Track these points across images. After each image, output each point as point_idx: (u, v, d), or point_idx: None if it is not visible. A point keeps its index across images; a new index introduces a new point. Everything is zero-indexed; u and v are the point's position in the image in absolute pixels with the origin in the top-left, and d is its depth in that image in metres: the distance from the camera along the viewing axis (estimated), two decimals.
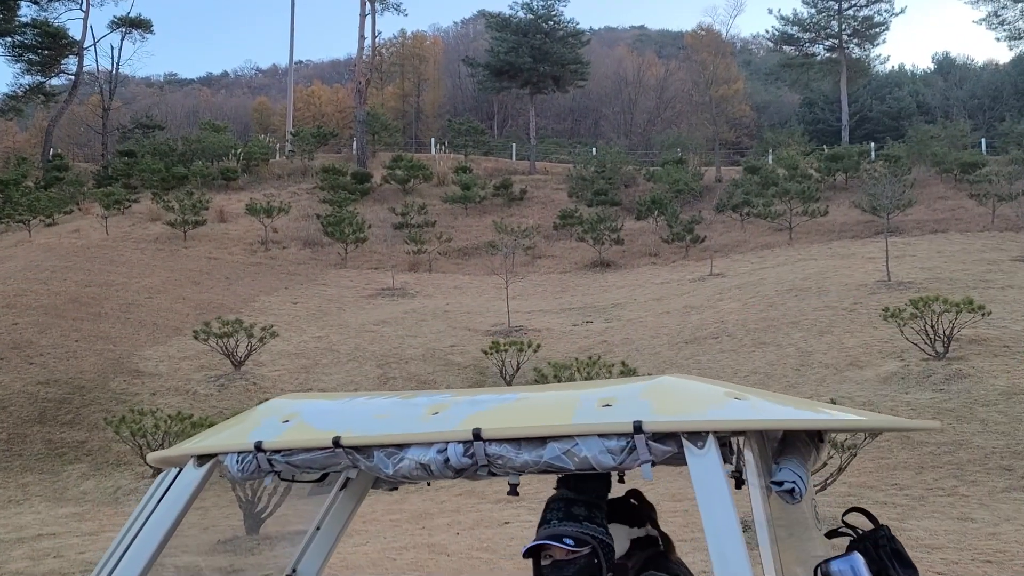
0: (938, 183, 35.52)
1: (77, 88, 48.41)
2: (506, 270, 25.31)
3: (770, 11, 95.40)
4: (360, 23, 44.51)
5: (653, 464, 2.28)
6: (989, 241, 27.99)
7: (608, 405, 2.38)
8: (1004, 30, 51.16)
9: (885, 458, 13.14)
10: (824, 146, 44.31)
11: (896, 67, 68.25)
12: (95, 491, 14.62)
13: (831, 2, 50.12)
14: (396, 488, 3.34)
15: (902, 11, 56.06)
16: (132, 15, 49.98)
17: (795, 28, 51.42)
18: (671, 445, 2.28)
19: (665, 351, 20.69)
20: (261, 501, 10.63)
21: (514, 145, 50.86)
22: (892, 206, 28.28)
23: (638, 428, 2.27)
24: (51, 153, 45.78)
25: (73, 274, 26.62)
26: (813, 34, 51.07)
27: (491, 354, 18.89)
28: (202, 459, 2.72)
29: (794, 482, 2.26)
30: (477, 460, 2.40)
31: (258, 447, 2.60)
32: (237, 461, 2.63)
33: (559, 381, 15.13)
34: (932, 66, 76.01)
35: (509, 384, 18.68)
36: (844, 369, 18.51)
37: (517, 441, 2.37)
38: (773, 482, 2.29)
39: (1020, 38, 51.23)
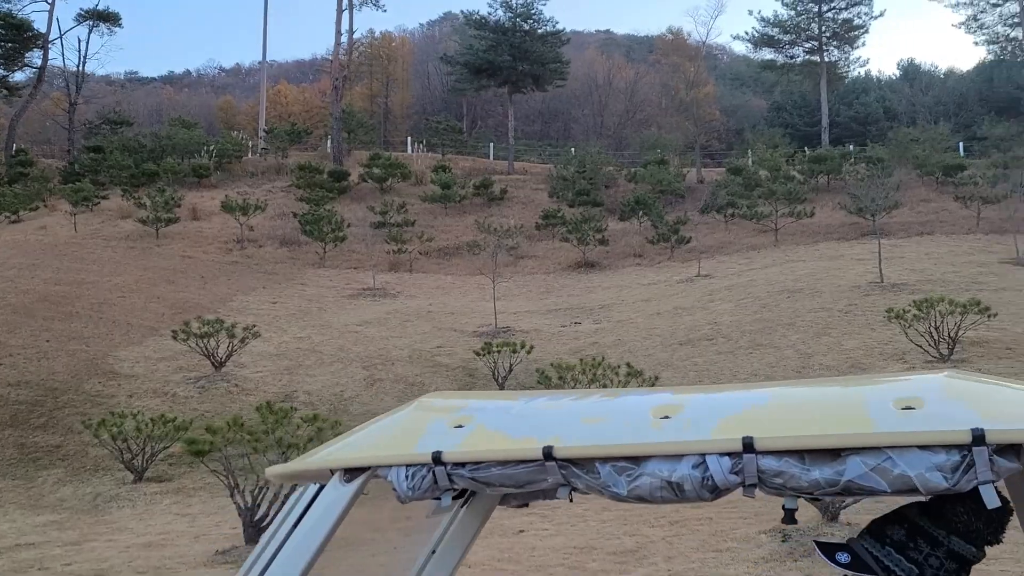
0: (920, 186, 35.56)
1: (42, 82, 47.09)
2: (492, 270, 24.74)
3: (750, 12, 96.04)
4: (337, 18, 43.81)
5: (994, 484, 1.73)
6: (976, 244, 27.95)
7: (910, 408, 1.85)
8: (983, 34, 51.77)
9: None
10: (805, 148, 44.32)
11: (863, 73, 68.88)
12: (73, 498, 13.83)
13: (811, 4, 50.26)
14: (527, 504, 2.77)
15: (881, 14, 56.58)
16: (100, 8, 48.75)
17: (775, 30, 51.47)
18: (1014, 460, 1.75)
19: (659, 352, 20.25)
20: (261, 508, 9.99)
21: (492, 144, 50.33)
22: (878, 208, 28.16)
23: (979, 439, 1.73)
24: (13, 148, 44.43)
25: (41, 272, 25.64)
26: (793, 36, 51.18)
27: (483, 355, 18.36)
28: (351, 473, 2.17)
29: None
30: (745, 477, 1.86)
31: (437, 459, 2.08)
32: (406, 476, 2.12)
33: (563, 383, 14.60)
34: (898, 72, 76.83)
35: (502, 387, 18.14)
36: (846, 371, 18.16)
37: (800, 454, 1.84)
38: None
39: (998, 42, 51.84)
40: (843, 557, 1.97)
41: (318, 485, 2.29)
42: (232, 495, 9.98)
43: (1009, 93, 54.20)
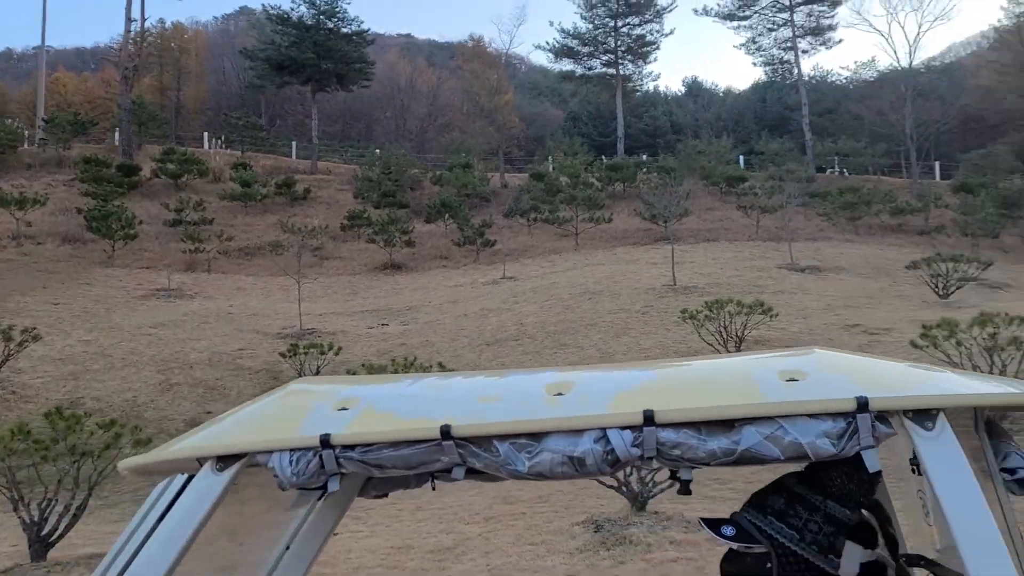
0: (706, 195, 37.85)
1: None
2: (296, 271, 24.15)
3: (551, 23, 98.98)
4: (127, 4, 41.23)
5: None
6: (756, 250, 30.08)
7: (794, 380, 1.95)
8: (760, 56, 56.03)
9: None
10: (602, 156, 46.14)
11: (652, 88, 72.70)
12: None
13: (608, 20, 52.53)
14: (386, 495, 2.72)
15: (671, 32, 60.11)
16: None
17: (575, 42, 53.39)
18: (891, 427, 1.89)
19: (467, 353, 20.47)
20: (49, 522, 9.26)
21: (294, 143, 49.06)
22: (670, 215, 29.77)
23: (863, 406, 1.85)
24: None
25: None
26: (592, 48, 53.33)
27: (289, 357, 17.89)
28: (225, 461, 2.04)
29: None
30: (645, 450, 1.89)
31: (325, 442, 1.99)
32: (291, 461, 2.01)
33: None
34: (683, 89, 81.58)
35: None
36: None
37: (696, 426, 1.89)
38: (1004, 470, 1.91)
39: (772, 64, 56.25)
40: (728, 530, 2.02)
41: (186, 476, 2.15)
42: (15, 509, 9.18)
43: (780, 112, 58.81)
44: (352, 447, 1.99)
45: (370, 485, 2.65)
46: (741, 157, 46.57)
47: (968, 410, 1.94)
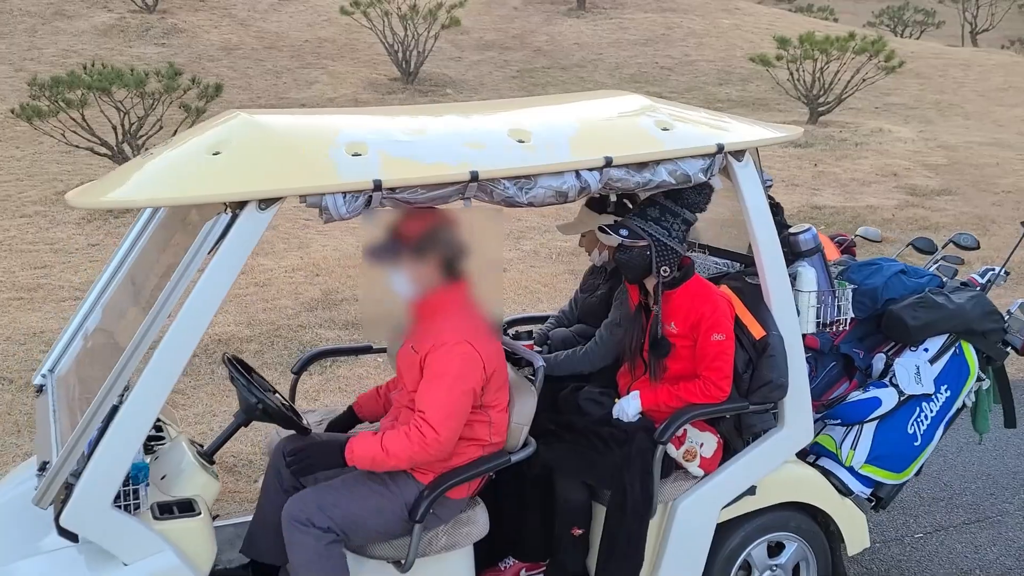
0: None
1: None
2: None
3: None
4: None
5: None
6: None
7: (667, 129, 2.85)
8: None
9: None
10: None
11: None
12: None
13: None
14: None
15: None
16: None
17: None
18: (722, 161, 2.90)
19: None
20: None
21: None
22: None
23: (720, 149, 2.83)
24: None
25: None
26: None
27: None
28: (267, 201, 2.37)
29: (771, 178, 3.13)
30: (603, 183, 2.71)
31: (378, 186, 2.42)
32: (344, 201, 2.41)
33: None
34: None
35: None
36: (52, 19, 17.23)
37: (627, 166, 2.73)
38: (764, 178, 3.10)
39: None
40: (624, 231, 2.96)
41: (229, 214, 2.39)
42: None
43: None
44: (394, 189, 2.49)
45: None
46: None
47: (742, 149, 2.96)
